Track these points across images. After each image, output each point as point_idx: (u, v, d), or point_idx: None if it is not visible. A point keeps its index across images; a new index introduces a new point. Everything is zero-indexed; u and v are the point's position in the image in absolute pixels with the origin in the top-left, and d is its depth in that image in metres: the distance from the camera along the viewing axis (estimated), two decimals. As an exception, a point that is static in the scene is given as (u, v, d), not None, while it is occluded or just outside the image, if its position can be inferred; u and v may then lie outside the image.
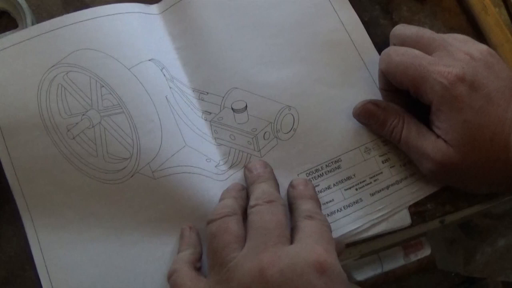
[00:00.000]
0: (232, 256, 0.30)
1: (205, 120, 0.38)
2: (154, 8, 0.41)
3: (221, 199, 0.35)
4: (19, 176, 0.36)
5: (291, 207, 0.35)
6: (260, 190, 0.34)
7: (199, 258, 0.34)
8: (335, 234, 0.36)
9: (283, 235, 0.30)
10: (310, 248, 0.29)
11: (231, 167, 0.37)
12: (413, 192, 0.37)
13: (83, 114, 0.36)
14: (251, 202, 0.33)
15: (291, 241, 0.31)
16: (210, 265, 0.31)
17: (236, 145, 0.38)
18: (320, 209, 0.35)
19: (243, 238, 0.31)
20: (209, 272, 0.31)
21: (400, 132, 0.36)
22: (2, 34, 0.39)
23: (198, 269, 0.33)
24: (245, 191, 0.35)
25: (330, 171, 0.37)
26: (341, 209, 0.37)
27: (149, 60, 0.38)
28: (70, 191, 0.36)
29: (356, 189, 0.37)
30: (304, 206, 0.33)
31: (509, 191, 0.37)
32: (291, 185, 0.36)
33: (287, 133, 0.38)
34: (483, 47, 0.34)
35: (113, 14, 0.38)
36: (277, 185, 0.35)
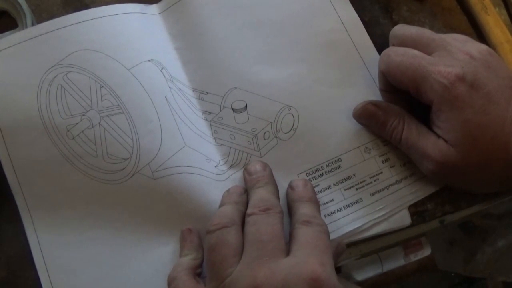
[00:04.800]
0: (229, 271, 0.30)
1: (205, 120, 0.38)
2: (153, 8, 0.41)
3: (221, 204, 0.35)
4: (19, 176, 0.36)
5: (290, 210, 0.35)
6: (258, 197, 0.34)
7: (200, 264, 0.34)
8: (335, 234, 0.36)
9: (278, 248, 0.30)
10: (304, 262, 0.29)
11: (231, 167, 0.37)
12: (413, 192, 0.37)
13: (83, 115, 0.36)
14: (248, 210, 0.33)
15: (288, 250, 0.31)
16: (209, 278, 0.31)
17: (236, 145, 0.38)
18: (319, 212, 0.35)
19: (241, 250, 0.31)
20: (208, 283, 0.31)
21: (401, 133, 0.36)
22: (2, 34, 0.39)
23: (198, 274, 0.33)
24: (246, 194, 0.35)
25: (330, 171, 0.37)
26: (341, 209, 0.37)
27: (149, 60, 0.38)
28: (70, 191, 0.36)
29: (356, 189, 0.37)
30: (302, 210, 0.33)
31: (509, 191, 0.37)
32: (290, 187, 0.36)
33: (287, 133, 0.38)
34: (482, 46, 0.35)
35: (112, 15, 0.38)
36: (276, 189, 0.35)
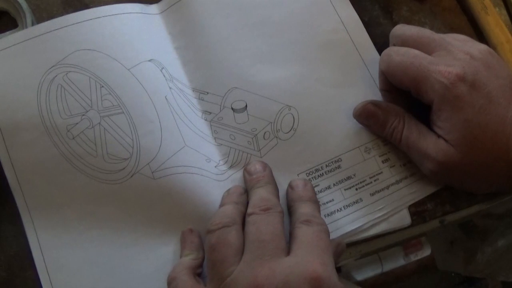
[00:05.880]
0: (230, 270, 0.30)
1: (205, 120, 0.38)
2: (153, 8, 0.41)
3: (222, 204, 0.35)
4: (19, 177, 0.36)
5: (289, 210, 0.35)
6: (258, 197, 0.34)
7: (200, 264, 0.34)
8: (335, 234, 0.36)
9: (279, 247, 0.30)
10: (305, 262, 0.29)
11: (231, 167, 0.37)
12: (413, 192, 0.37)
13: (83, 115, 0.36)
14: (249, 210, 0.33)
15: (288, 249, 0.31)
16: (209, 277, 0.31)
17: (236, 145, 0.38)
18: (319, 211, 0.35)
19: (241, 249, 0.31)
20: (208, 283, 0.31)
21: (401, 133, 0.36)
22: (2, 34, 0.39)
23: (199, 274, 0.33)
24: (246, 194, 0.35)
25: (330, 171, 0.37)
26: (341, 209, 0.37)
27: (149, 60, 0.38)
28: (70, 191, 0.36)
29: (356, 189, 0.37)
30: (302, 210, 0.33)
31: (509, 191, 0.37)
32: (290, 186, 0.36)
33: (287, 133, 0.38)
34: (483, 46, 0.35)
35: (112, 15, 0.38)
36: (276, 189, 0.35)
